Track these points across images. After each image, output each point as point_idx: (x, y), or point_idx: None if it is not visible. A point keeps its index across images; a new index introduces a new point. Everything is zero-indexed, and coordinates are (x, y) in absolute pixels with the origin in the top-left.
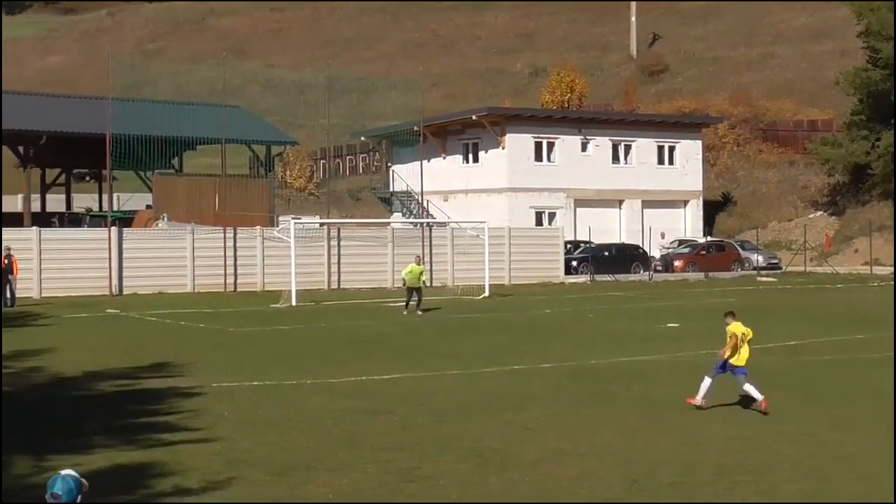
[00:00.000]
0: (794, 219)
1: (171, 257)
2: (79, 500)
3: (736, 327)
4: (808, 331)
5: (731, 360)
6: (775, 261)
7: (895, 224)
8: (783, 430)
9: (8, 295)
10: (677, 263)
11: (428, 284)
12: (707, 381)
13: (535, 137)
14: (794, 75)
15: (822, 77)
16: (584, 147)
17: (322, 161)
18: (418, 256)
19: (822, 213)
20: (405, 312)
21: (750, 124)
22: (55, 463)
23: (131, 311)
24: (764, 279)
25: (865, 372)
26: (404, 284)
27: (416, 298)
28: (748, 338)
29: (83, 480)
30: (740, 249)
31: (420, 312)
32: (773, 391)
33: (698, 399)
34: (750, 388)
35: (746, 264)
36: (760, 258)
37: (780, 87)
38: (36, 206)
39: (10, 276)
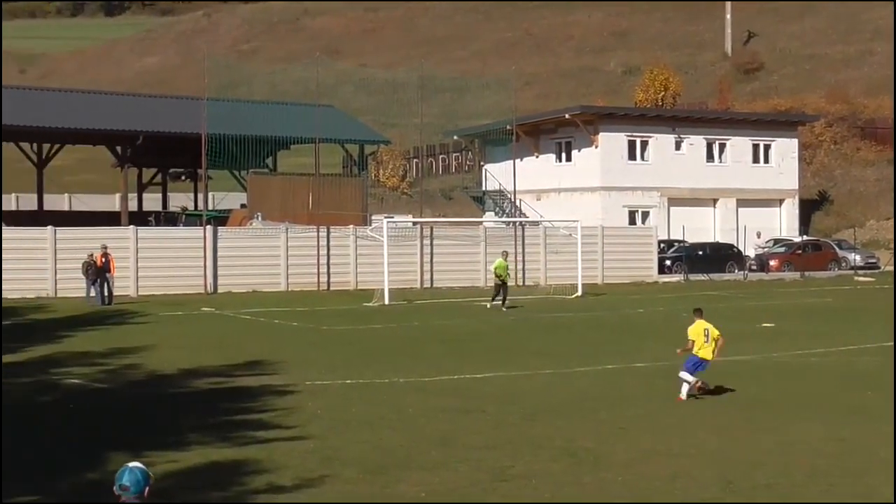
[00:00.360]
0: (892, 218)
1: (265, 256)
2: (146, 492)
3: (698, 327)
4: None
5: (700, 354)
6: (873, 260)
7: (895, 225)
8: (881, 432)
9: (106, 293)
10: (772, 263)
11: (509, 282)
12: (687, 376)
13: (628, 136)
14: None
15: None
16: (678, 146)
17: (415, 160)
18: (505, 251)
19: None
20: (488, 306)
21: (847, 122)
22: (151, 459)
23: (226, 310)
24: (861, 279)
25: None
26: (497, 278)
27: (502, 295)
28: (713, 335)
29: (150, 473)
30: (837, 248)
31: (504, 309)
32: (871, 391)
33: (683, 396)
34: (686, 376)
35: (843, 264)
36: (858, 257)
37: (878, 84)
38: (133, 206)
39: (107, 275)
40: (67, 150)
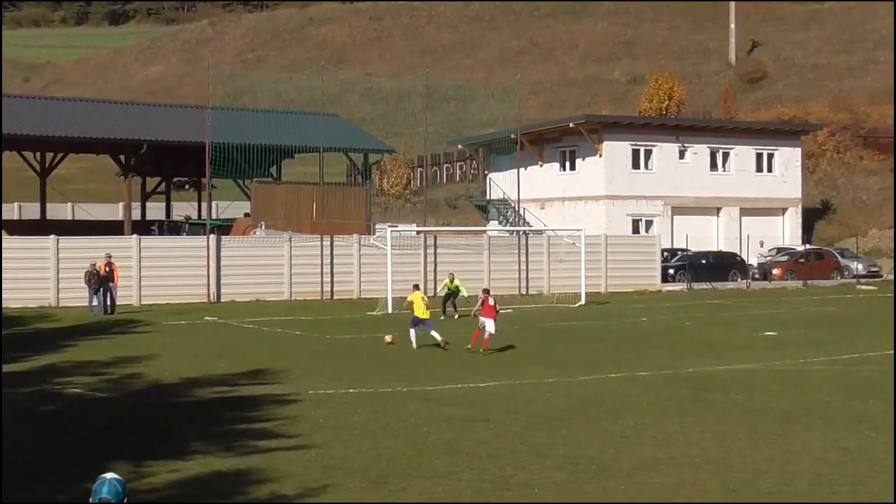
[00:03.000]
0: (893, 227)
1: (269, 265)
2: (125, 502)
3: (415, 297)
4: None
5: (419, 315)
6: (875, 269)
7: (895, 226)
8: (884, 440)
9: (108, 302)
10: (776, 271)
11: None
12: (412, 332)
13: (632, 145)
14: None
15: None
16: (681, 154)
17: (419, 169)
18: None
19: None
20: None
21: (850, 131)
22: (153, 468)
23: (229, 319)
24: (864, 287)
25: None
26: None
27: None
28: (425, 301)
29: (125, 482)
30: (840, 257)
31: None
32: (873, 400)
33: (413, 346)
34: (435, 334)
35: (846, 272)
36: (860, 266)
37: (882, 93)
38: (136, 215)
39: (111, 284)
40: (71, 158)
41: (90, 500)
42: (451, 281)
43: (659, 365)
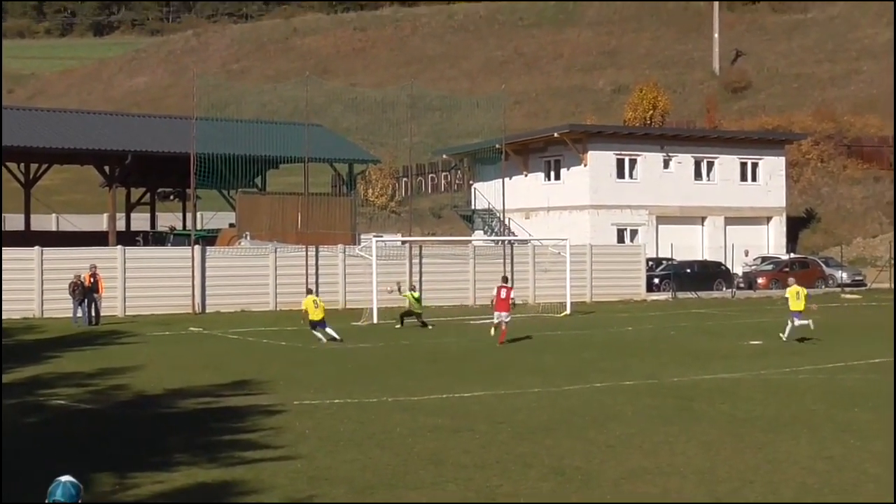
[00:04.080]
0: (879, 235)
1: (254, 275)
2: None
3: (307, 302)
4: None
5: (314, 318)
6: (860, 277)
7: (895, 228)
8: (870, 449)
9: (93, 313)
10: (760, 280)
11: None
12: (316, 333)
13: (617, 154)
14: (880, 91)
15: None
16: (666, 164)
17: (404, 179)
18: (412, 284)
19: None
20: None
21: (834, 140)
22: (138, 480)
23: (214, 329)
24: (848, 296)
25: None
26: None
27: (416, 319)
28: (317, 304)
29: (80, 486)
30: (824, 266)
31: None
32: (858, 409)
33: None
34: (330, 331)
35: (830, 281)
36: (845, 275)
37: (865, 102)
38: (121, 226)
39: (95, 295)
40: (55, 169)
41: (45, 501)
42: (411, 291)
43: (644, 374)
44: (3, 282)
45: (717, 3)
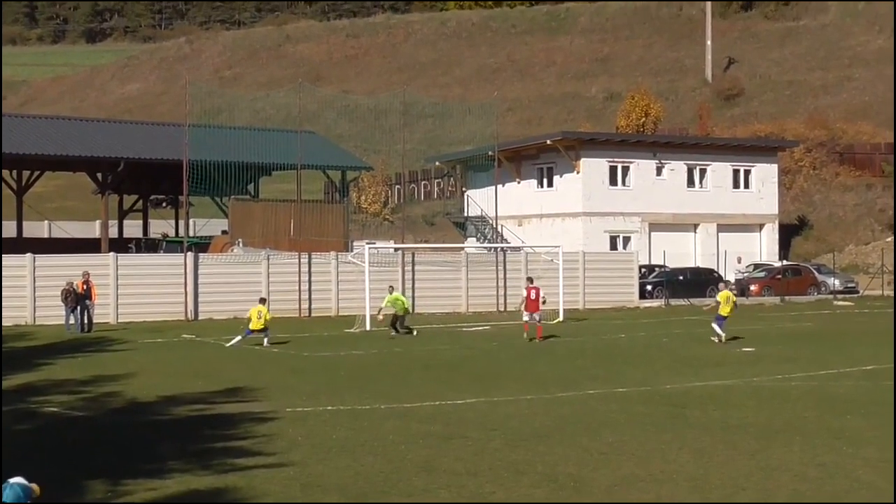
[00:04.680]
0: (871, 242)
1: (247, 282)
2: None
3: (252, 311)
4: (887, 355)
5: (253, 328)
6: (852, 284)
7: (895, 231)
8: (862, 456)
9: (85, 320)
10: (753, 287)
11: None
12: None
13: (609, 162)
14: (872, 98)
15: None
16: (658, 171)
17: (397, 186)
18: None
19: None
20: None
21: (826, 147)
22: (130, 487)
23: (206, 336)
24: (841, 303)
25: None
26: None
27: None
28: (262, 315)
29: (33, 486)
30: (816, 273)
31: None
32: (850, 416)
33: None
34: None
35: (823, 288)
36: (837, 282)
37: (857, 110)
38: (113, 233)
39: (87, 302)
40: (48, 176)
41: None
42: (391, 293)
43: (637, 381)
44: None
45: (709, 10)
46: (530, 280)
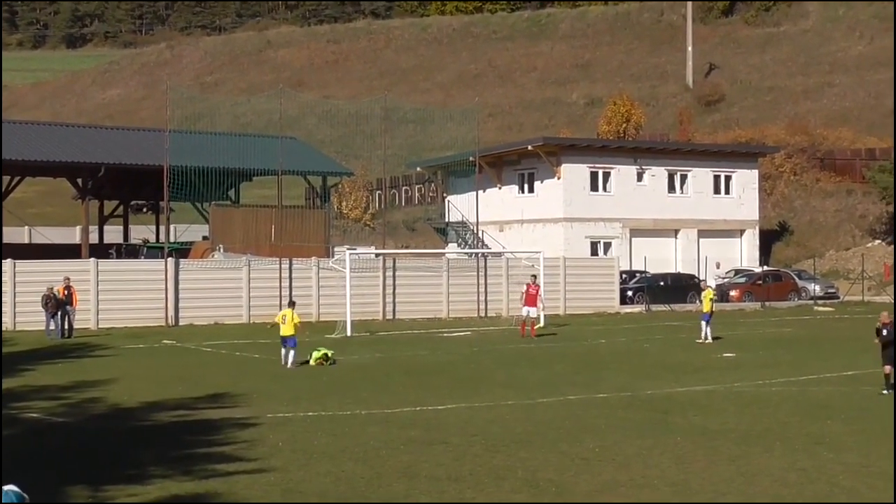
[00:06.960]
0: (851, 248)
1: (227, 288)
2: None
3: (280, 317)
4: (867, 361)
5: (284, 333)
6: (833, 290)
7: (895, 233)
8: (842, 461)
9: (66, 326)
10: (733, 293)
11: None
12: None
13: (590, 167)
14: (852, 104)
15: (880, 105)
16: (639, 177)
17: (378, 192)
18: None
19: (880, 241)
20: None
21: (807, 153)
22: (111, 493)
23: (187, 342)
24: (821, 309)
25: None
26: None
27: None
28: (292, 319)
29: (25, 496)
30: (797, 279)
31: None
32: (830, 421)
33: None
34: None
35: (803, 294)
36: (818, 288)
37: (837, 115)
38: (94, 238)
39: (68, 307)
40: (28, 182)
41: None
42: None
43: (618, 387)
44: None
45: (690, 16)
46: (534, 278)
